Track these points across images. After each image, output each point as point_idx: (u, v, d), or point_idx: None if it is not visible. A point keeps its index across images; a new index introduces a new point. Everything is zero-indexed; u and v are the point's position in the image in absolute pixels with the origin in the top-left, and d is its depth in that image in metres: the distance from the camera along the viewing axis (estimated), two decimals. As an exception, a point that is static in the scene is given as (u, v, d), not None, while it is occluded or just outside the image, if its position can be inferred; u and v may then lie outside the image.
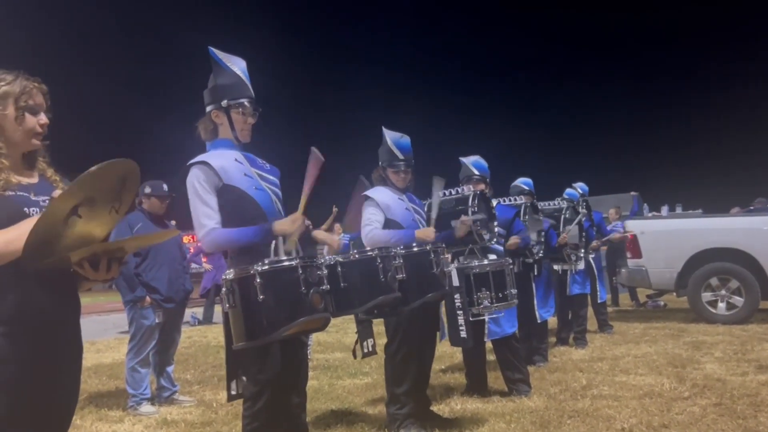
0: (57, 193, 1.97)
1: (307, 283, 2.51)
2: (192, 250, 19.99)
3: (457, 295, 4.15)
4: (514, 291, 4.41)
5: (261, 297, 2.45)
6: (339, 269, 2.89)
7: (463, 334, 4.17)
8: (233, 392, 2.73)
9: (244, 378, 2.73)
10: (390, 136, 4.36)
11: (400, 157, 4.32)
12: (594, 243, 8.54)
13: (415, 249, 3.50)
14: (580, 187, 8.40)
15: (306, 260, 2.57)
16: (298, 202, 2.86)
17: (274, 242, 2.77)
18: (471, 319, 4.22)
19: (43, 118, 1.98)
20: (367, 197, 4.27)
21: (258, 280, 2.46)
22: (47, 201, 1.95)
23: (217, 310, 12.47)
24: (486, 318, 4.65)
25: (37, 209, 1.91)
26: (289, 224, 2.79)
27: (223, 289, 2.55)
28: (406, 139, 4.38)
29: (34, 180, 2.01)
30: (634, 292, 11.76)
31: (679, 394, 4.81)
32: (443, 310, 4.40)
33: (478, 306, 4.25)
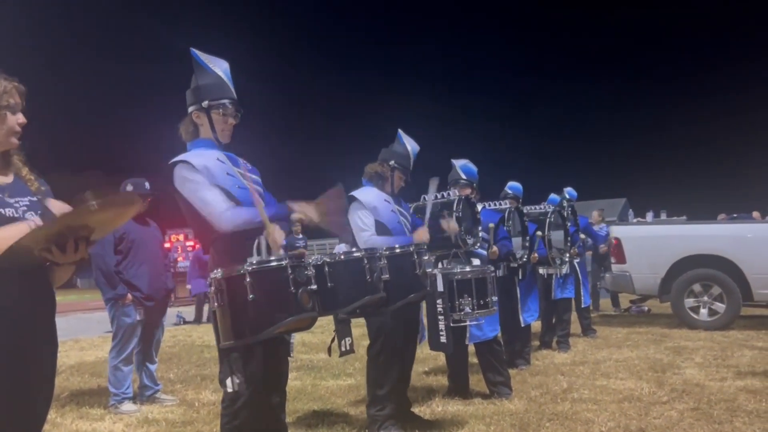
0: (54, 205, 1.96)
1: (296, 283, 2.53)
2: (180, 249, 20.04)
3: (439, 300, 4.17)
4: (495, 298, 4.45)
5: (251, 296, 2.45)
6: (326, 269, 2.90)
7: (443, 339, 4.19)
8: (230, 389, 2.73)
9: (238, 375, 2.73)
10: (410, 143, 4.52)
11: (411, 167, 4.48)
12: (602, 247, 8.62)
13: (398, 250, 3.53)
14: (568, 192, 8.46)
15: (294, 260, 2.59)
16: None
17: (257, 241, 2.78)
18: (452, 324, 4.25)
19: (21, 117, 1.99)
20: (354, 198, 4.29)
21: (248, 280, 2.46)
22: (21, 202, 1.95)
23: (206, 309, 12.47)
24: (468, 322, 4.68)
25: (12, 210, 1.90)
26: (307, 207, 2.89)
27: (211, 288, 2.55)
28: (418, 150, 4.57)
29: (9, 179, 2.01)
30: (615, 298, 11.83)
31: (658, 399, 4.85)
32: (424, 312, 4.43)
33: (459, 312, 4.28)
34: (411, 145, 4.51)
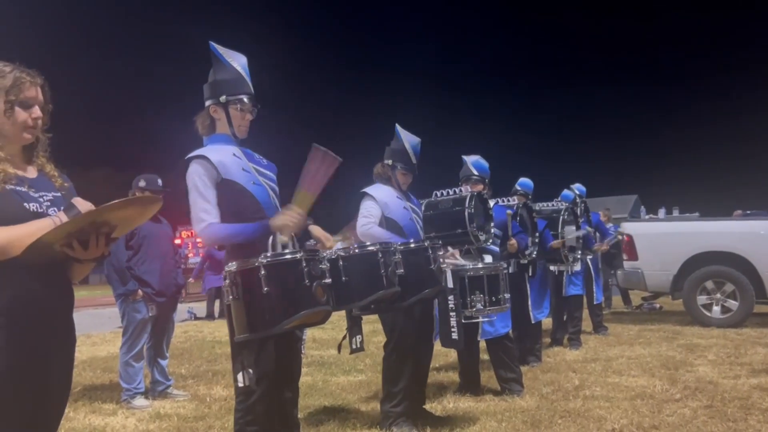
0: (80, 202, 1.97)
1: (310, 276, 2.52)
2: (191, 246, 20.10)
3: (450, 297, 4.16)
4: (507, 295, 4.43)
5: (265, 289, 2.45)
6: (341, 263, 2.89)
7: (454, 336, 4.18)
8: (241, 384, 2.72)
9: (250, 370, 2.72)
10: (407, 137, 4.43)
11: (413, 160, 4.41)
12: (596, 246, 8.58)
13: (413, 245, 3.52)
14: (577, 188, 8.42)
15: (309, 253, 2.58)
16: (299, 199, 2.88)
17: (271, 236, 2.78)
18: (463, 321, 4.23)
19: (35, 112, 1.96)
20: (366, 194, 4.30)
21: (262, 273, 2.46)
22: (45, 197, 1.95)
23: (218, 305, 12.52)
24: (480, 319, 4.66)
25: (37, 204, 1.90)
26: (282, 219, 2.79)
27: (226, 281, 2.55)
28: (418, 142, 4.47)
29: (33, 175, 2.00)
30: (626, 295, 11.76)
31: (671, 396, 4.82)
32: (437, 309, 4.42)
33: (471, 309, 4.27)
34: (408, 140, 4.41)
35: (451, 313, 4.19)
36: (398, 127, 4.44)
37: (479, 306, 4.29)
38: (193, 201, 2.88)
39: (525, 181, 6.97)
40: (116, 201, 1.75)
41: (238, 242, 2.84)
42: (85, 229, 1.80)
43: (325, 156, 2.87)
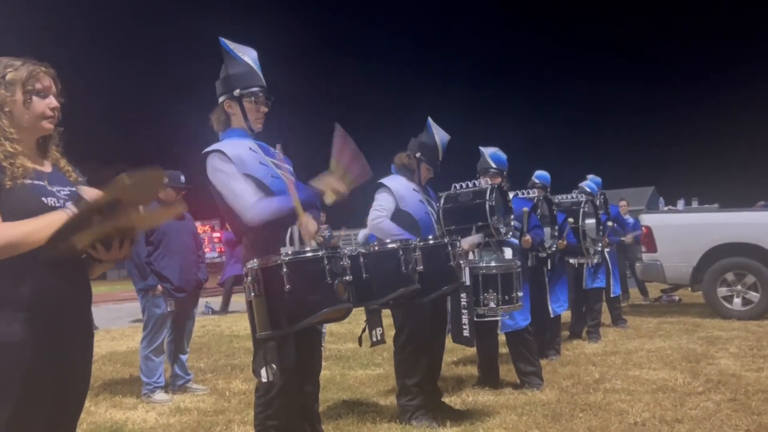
0: (84, 190, 1.97)
1: (332, 274, 2.52)
2: (207, 241, 20.19)
3: (463, 294, 4.13)
4: (520, 294, 4.40)
5: (287, 287, 2.44)
6: (361, 260, 2.88)
7: (466, 333, 4.15)
8: (264, 379, 2.72)
9: (273, 365, 2.72)
10: (439, 133, 4.44)
11: (439, 157, 4.42)
12: (624, 237, 8.51)
13: (432, 242, 3.50)
14: (592, 179, 8.34)
15: (330, 251, 2.57)
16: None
17: (289, 231, 2.78)
18: (476, 319, 4.21)
19: (52, 102, 1.98)
20: (382, 185, 4.28)
21: (284, 270, 2.45)
22: (62, 192, 1.96)
23: (233, 299, 12.56)
24: (495, 317, 4.63)
25: (54, 199, 1.91)
26: (325, 181, 2.84)
27: (248, 278, 2.55)
28: (448, 140, 4.48)
29: (48, 169, 2.02)
30: (643, 287, 11.65)
31: (693, 389, 4.77)
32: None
33: (484, 307, 4.24)
34: (440, 136, 4.43)
35: (464, 311, 4.16)
36: (430, 121, 4.43)
37: (492, 304, 4.26)
38: (231, 187, 2.84)
39: (542, 174, 6.92)
40: (147, 213, 1.75)
41: (285, 213, 2.79)
42: (110, 234, 1.80)
43: (346, 137, 2.91)
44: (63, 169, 2.07)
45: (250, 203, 2.82)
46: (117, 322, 11.13)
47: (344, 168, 2.91)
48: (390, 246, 3.08)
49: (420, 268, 3.24)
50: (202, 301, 11.70)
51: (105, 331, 10.07)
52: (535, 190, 6.58)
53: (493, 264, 4.35)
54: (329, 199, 2.86)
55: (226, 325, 10.25)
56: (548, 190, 6.77)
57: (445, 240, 3.49)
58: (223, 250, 14.01)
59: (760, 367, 5.45)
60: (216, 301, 13.09)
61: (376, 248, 3.03)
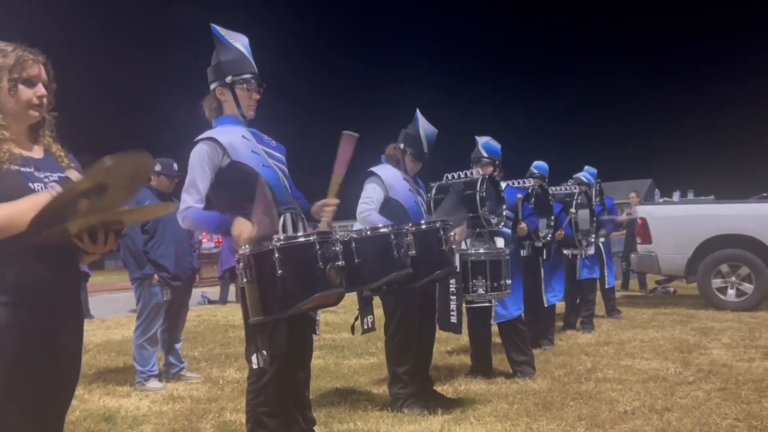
0: (74, 175, 1.97)
1: (324, 259, 2.51)
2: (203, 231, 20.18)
3: (452, 280, 4.14)
4: (509, 281, 4.42)
5: (279, 272, 2.44)
6: (353, 245, 2.89)
7: (453, 320, 4.16)
8: (255, 366, 2.73)
9: (264, 352, 2.73)
10: (424, 125, 4.40)
11: (425, 149, 4.40)
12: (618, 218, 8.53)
13: (424, 226, 3.51)
14: (587, 170, 8.34)
15: (322, 236, 2.57)
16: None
17: (282, 217, 2.78)
18: (465, 305, 4.23)
19: (40, 90, 1.97)
20: (373, 173, 4.29)
21: (276, 255, 2.45)
22: (51, 178, 1.95)
23: (232, 290, 12.58)
24: (486, 303, 4.65)
25: (42, 185, 1.90)
26: (246, 227, 2.69)
27: (240, 264, 2.55)
28: (434, 132, 4.45)
29: (39, 155, 2.01)
30: (643, 279, 11.69)
31: (684, 379, 4.80)
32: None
33: (472, 293, 4.26)
34: (424, 129, 4.39)
35: (452, 297, 4.18)
36: (418, 113, 4.41)
37: (480, 291, 4.28)
38: (186, 180, 2.90)
39: (541, 164, 6.93)
40: (136, 208, 1.75)
41: (207, 231, 2.84)
42: (97, 226, 1.80)
43: (350, 138, 2.92)
44: (55, 154, 2.05)
45: (184, 204, 2.86)
46: (113, 312, 11.14)
47: (339, 175, 2.93)
48: (382, 230, 3.09)
49: (412, 252, 3.24)
50: (197, 291, 11.76)
51: (100, 320, 10.09)
52: (531, 180, 6.58)
53: (482, 251, 4.37)
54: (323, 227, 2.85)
55: (221, 314, 10.27)
56: (546, 180, 6.78)
57: (438, 224, 3.49)
58: (220, 241, 13.99)
59: (751, 357, 5.48)
60: (212, 291, 13.11)
61: (368, 233, 3.04)
